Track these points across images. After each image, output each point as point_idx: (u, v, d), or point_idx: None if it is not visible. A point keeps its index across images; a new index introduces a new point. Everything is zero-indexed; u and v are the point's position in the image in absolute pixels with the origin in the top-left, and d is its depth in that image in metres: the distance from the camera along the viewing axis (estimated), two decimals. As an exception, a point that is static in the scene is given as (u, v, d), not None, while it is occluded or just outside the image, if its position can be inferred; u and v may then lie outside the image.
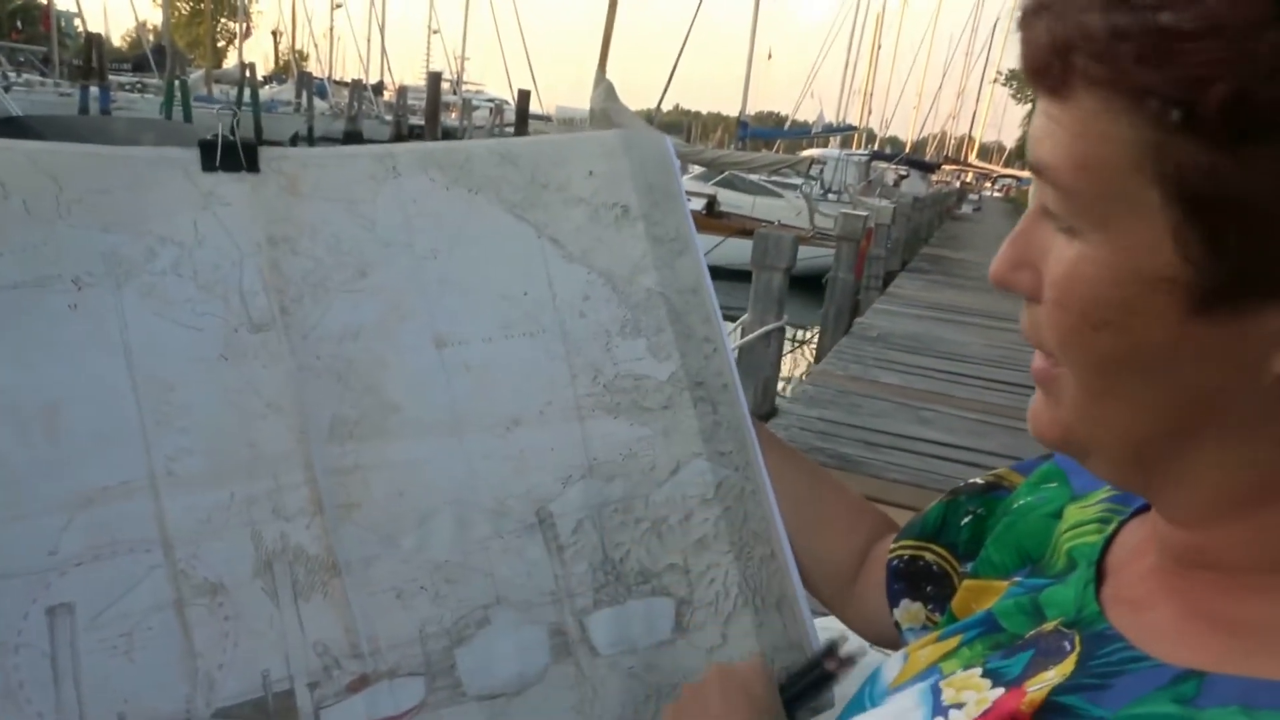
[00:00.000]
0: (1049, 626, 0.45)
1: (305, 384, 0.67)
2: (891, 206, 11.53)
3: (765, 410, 5.41)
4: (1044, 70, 0.36)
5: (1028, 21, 0.37)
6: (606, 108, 12.55)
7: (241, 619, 0.62)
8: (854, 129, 37.27)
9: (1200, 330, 0.35)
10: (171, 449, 0.62)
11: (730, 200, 16.67)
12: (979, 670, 0.45)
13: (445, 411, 0.71)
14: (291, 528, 0.64)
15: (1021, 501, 0.60)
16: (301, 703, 0.62)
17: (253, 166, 0.70)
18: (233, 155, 0.69)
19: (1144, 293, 0.35)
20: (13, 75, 20.91)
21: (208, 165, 0.68)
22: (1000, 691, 0.42)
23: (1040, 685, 0.40)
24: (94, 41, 20.07)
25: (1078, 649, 0.41)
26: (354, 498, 0.66)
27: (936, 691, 0.45)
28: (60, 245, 0.62)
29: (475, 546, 0.69)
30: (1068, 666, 0.41)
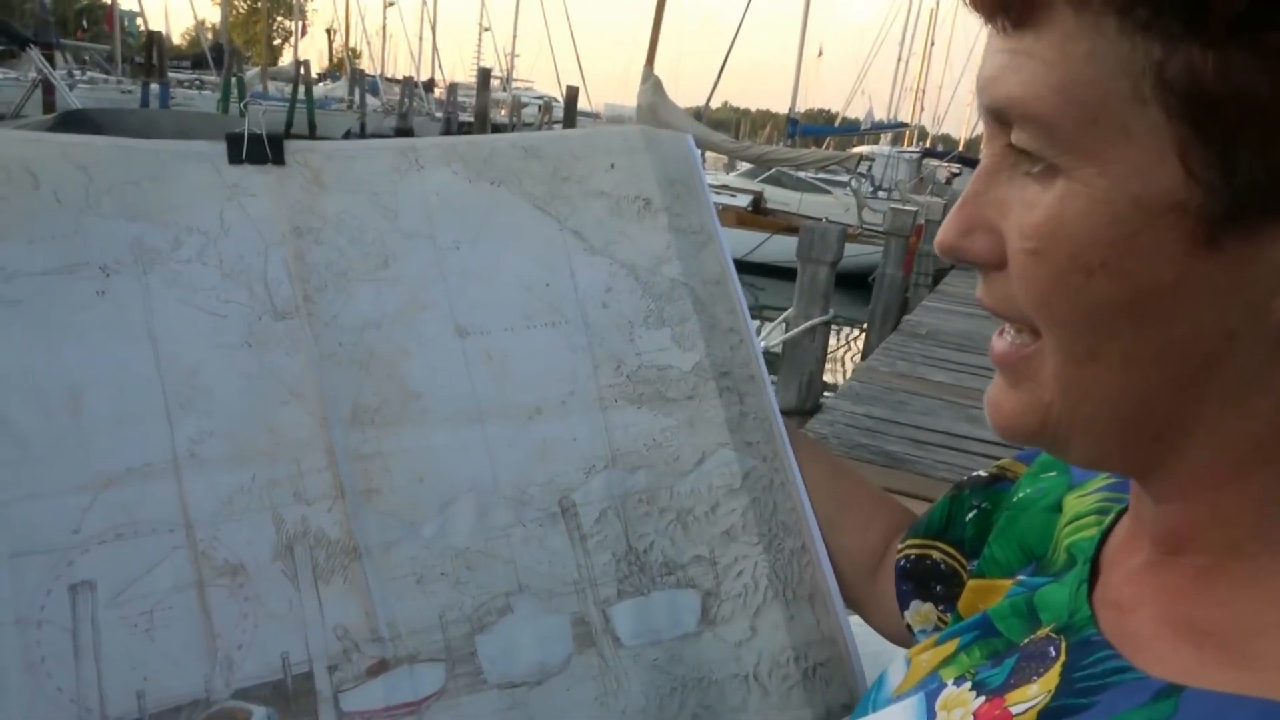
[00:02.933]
0: (1041, 633, 0.43)
1: (327, 371, 0.67)
2: (942, 203, 11.36)
3: (810, 406, 5.37)
4: (1005, 3, 0.34)
5: None
6: (654, 104, 12.56)
7: (261, 601, 0.62)
8: (905, 126, 36.77)
9: (1208, 265, 0.32)
10: (194, 432, 0.63)
11: (777, 197, 16.57)
12: (969, 684, 0.43)
13: (466, 400, 0.70)
14: (312, 511, 0.64)
15: (1022, 494, 0.58)
16: (320, 685, 0.62)
17: (278, 159, 0.71)
18: (258, 148, 0.70)
19: (1146, 226, 0.32)
20: (78, 73, 21.51)
21: (234, 158, 0.69)
22: (981, 700, 0.41)
23: (1025, 705, 0.38)
24: (155, 40, 20.55)
25: (1063, 657, 0.39)
26: (375, 483, 0.67)
27: (932, 713, 0.44)
28: (89, 234, 0.64)
29: (497, 534, 0.69)
30: (1052, 679, 0.39)
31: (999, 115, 0.36)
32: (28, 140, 0.65)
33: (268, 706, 0.60)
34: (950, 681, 0.45)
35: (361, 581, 0.64)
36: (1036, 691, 0.38)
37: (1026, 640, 0.43)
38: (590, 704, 0.68)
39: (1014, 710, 0.38)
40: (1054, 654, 0.40)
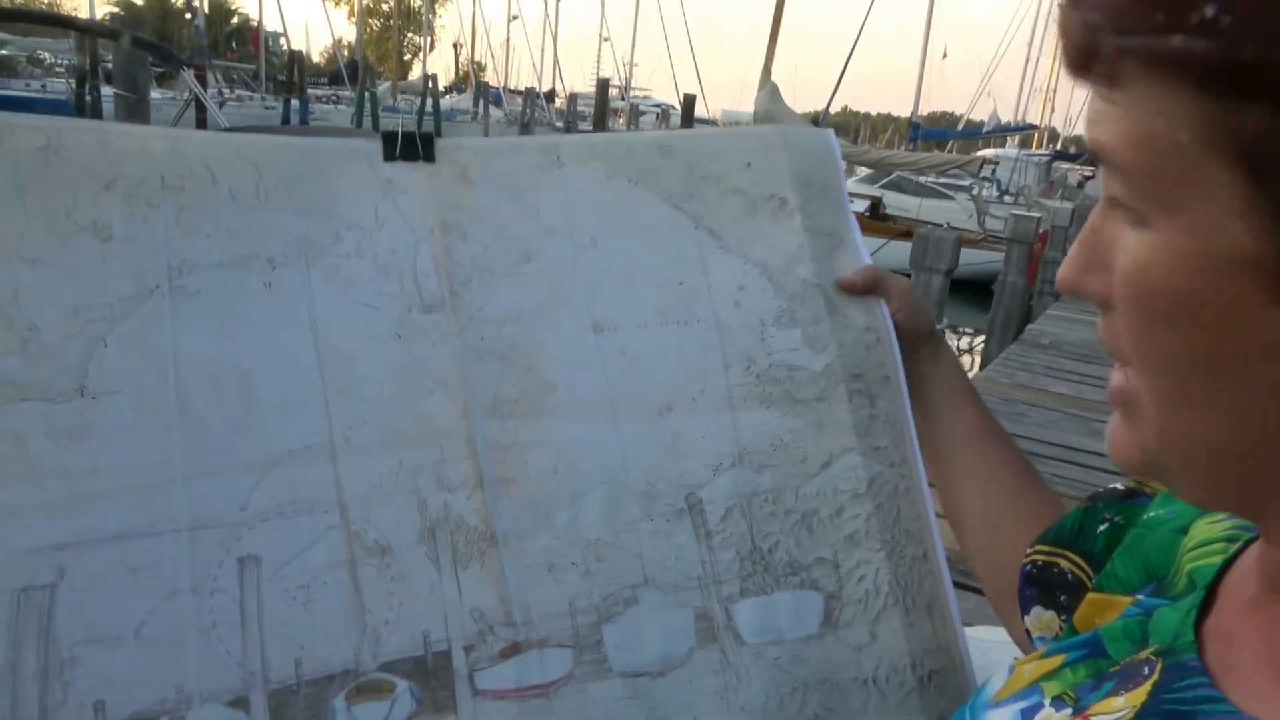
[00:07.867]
0: (1143, 655, 0.42)
1: (470, 363, 0.71)
2: (1070, 208, 10.88)
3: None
4: (1086, 62, 0.35)
5: (1065, 17, 0.35)
6: (771, 110, 12.47)
7: (406, 581, 0.65)
8: (1034, 128, 35.35)
9: None
10: (350, 418, 0.67)
11: (896, 203, 16.21)
12: (1069, 709, 0.42)
13: (600, 394, 0.73)
14: (454, 498, 0.68)
15: (1153, 513, 0.56)
16: (457, 664, 0.65)
17: (429, 157, 0.74)
18: (411, 146, 0.74)
19: (1219, 280, 0.32)
20: (226, 91, 22.87)
21: (389, 155, 0.73)
22: (1067, 712, 0.40)
23: (1108, 717, 0.37)
24: (295, 58, 21.65)
25: (1155, 676, 0.38)
26: (512, 473, 0.69)
27: None
28: (259, 228, 0.69)
29: (625, 527, 0.71)
30: (1139, 696, 0.38)
31: (1097, 156, 0.36)
32: (206, 139, 0.70)
33: (410, 680, 0.64)
34: (1049, 702, 0.44)
35: (497, 568, 0.67)
36: (1121, 705, 0.38)
37: (1127, 660, 0.43)
38: (711, 697, 0.69)
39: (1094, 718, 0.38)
40: (1147, 673, 0.39)
